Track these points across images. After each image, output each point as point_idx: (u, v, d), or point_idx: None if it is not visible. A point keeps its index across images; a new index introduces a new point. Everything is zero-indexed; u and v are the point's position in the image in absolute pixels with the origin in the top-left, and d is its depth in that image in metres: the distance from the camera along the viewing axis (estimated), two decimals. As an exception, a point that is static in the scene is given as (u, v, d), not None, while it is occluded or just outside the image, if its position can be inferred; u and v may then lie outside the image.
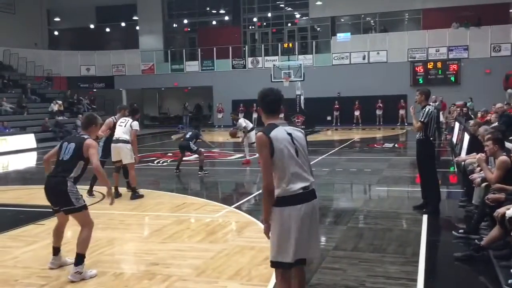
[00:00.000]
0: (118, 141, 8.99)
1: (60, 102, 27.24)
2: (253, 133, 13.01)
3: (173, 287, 4.70)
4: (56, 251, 5.30)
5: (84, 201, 5.18)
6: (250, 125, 13.65)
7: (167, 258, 5.54)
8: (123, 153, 8.99)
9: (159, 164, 14.05)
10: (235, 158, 15.44)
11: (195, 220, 7.43)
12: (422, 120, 7.15)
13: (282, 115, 19.39)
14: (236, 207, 8.16)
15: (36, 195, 9.77)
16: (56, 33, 37.54)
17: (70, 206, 5.01)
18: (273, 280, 4.74)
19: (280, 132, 3.52)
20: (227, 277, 4.91)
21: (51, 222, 7.38)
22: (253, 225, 6.84)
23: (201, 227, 6.93)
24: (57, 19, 36.60)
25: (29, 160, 17.32)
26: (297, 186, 3.48)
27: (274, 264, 3.59)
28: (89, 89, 33.39)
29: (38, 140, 21.50)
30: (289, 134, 3.55)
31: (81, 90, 32.39)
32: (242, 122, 13.58)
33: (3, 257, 5.73)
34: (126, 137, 9.00)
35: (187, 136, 12.13)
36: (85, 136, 5.19)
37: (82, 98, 30.01)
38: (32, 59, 30.75)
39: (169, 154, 15.92)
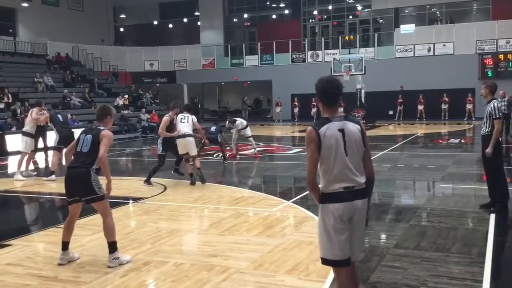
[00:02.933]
0: (185, 135, 9.59)
1: (125, 96, 28.22)
2: (249, 128, 14.61)
3: (230, 279, 4.74)
4: (66, 246, 5.33)
5: (105, 191, 5.29)
6: (245, 123, 14.55)
7: (225, 250, 5.61)
8: (190, 146, 9.68)
9: (218, 158, 14.23)
10: (294, 153, 15.39)
11: (253, 213, 7.47)
12: (497, 117, 6.89)
13: (341, 109, 19.39)
14: (294, 202, 8.13)
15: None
16: (121, 29, 38.87)
17: (93, 195, 5.17)
18: (330, 276, 4.69)
19: (331, 128, 3.38)
20: (285, 272, 4.90)
21: (115, 212, 7.68)
22: (311, 220, 6.79)
23: (259, 220, 6.95)
24: (122, 16, 37.87)
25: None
26: (338, 185, 3.36)
27: (322, 261, 3.52)
28: (152, 83, 34.36)
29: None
30: (341, 131, 3.39)
31: (145, 85, 33.38)
32: (239, 124, 14.31)
33: (71, 245, 5.95)
34: (191, 131, 9.64)
35: (213, 130, 13.12)
36: (101, 128, 5.33)
37: (142, 92, 30.92)
38: (99, 55, 32.05)
39: (228, 148, 16.06)
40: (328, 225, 3.38)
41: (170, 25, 38.42)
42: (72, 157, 5.40)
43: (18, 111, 20.53)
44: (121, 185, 10.18)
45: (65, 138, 10.39)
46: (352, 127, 3.45)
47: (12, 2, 28.51)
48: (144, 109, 26.57)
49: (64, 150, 5.59)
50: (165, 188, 9.56)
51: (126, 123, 24.93)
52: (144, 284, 4.75)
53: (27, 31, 29.39)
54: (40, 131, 11.83)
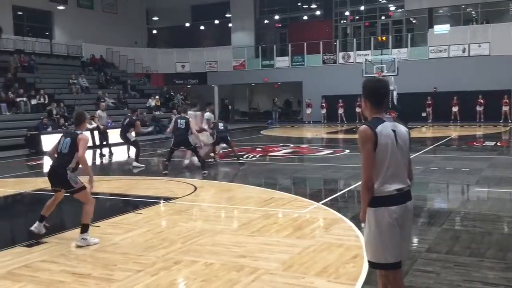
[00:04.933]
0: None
1: (157, 97, 28.61)
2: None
3: (260, 280, 4.75)
4: (42, 218, 6.29)
5: (82, 183, 6.09)
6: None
7: (254, 251, 5.62)
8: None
9: (248, 159, 14.27)
10: (324, 154, 15.30)
11: (283, 215, 7.46)
12: None
13: None
14: (324, 204, 8.08)
15: (134, 186, 10.36)
16: (154, 32, 39.42)
17: (72, 189, 6.07)
18: (361, 280, 4.64)
19: (386, 128, 3.35)
20: (314, 274, 4.88)
21: (148, 211, 7.81)
22: (342, 222, 6.74)
23: (289, 222, 6.94)
24: (155, 18, 38.40)
25: (129, 153, 18.29)
26: (393, 187, 3.32)
27: (372, 264, 3.48)
28: (184, 85, 34.71)
29: (137, 134, 22.67)
30: (394, 131, 3.38)
31: (176, 86, 33.75)
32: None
33: (104, 243, 6.12)
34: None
35: (221, 128, 13.16)
36: (78, 132, 6.11)
37: (173, 93, 31.24)
38: (132, 57, 32.60)
39: (258, 149, 16.12)
40: (383, 229, 3.33)
41: (202, 27, 38.74)
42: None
43: (54, 111, 21.06)
44: (152, 185, 10.34)
45: None
46: (402, 128, 3.45)
47: (48, 5, 29.28)
48: (175, 110, 26.82)
49: (49, 151, 6.50)
50: (196, 189, 9.65)
51: (157, 124, 25.25)
52: (175, 283, 4.80)
53: (63, 34, 30.12)
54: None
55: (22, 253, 5.82)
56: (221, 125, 13.28)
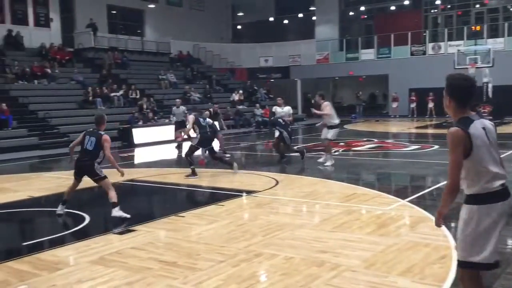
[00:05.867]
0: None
1: (241, 92, 29.07)
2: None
3: (341, 277, 4.67)
4: (65, 202, 7.40)
5: (104, 174, 7.27)
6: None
7: (336, 247, 5.53)
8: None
9: (334, 154, 14.08)
10: (411, 150, 14.74)
11: (366, 211, 7.28)
12: None
13: None
14: (410, 201, 7.78)
15: (217, 178, 10.61)
16: (239, 27, 40.05)
17: (97, 177, 7.21)
18: (448, 281, 4.42)
19: (477, 128, 3.22)
20: (398, 273, 4.71)
21: (230, 204, 7.96)
22: (428, 221, 6.44)
23: (372, 219, 6.76)
24: (240, 13, 38.99)
25: (214, 146, 18.75)
26: (497, 183, 3.21)
27: (463, 264, 3.32)
28: (267, 79, 34.96)
29: (221, 127, 23.21)
30: (483, 129, 3.24)
31: (259, 81, 34.06)
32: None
33: (188, 233, 6.33)
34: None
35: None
36: (101, 132, 7.26)
37: (256, 87, 31.54)
38: (217, 52, 33.36)
39: (341, 143, 15.86)
40: (483, 227, 3.21)
41: (285, 21, 38.74)
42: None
43: (144, 106, 22.08)
44: (234, 178, 10.52)
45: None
46: (489, 124, 3.32)
47: (140, 4, 30.69)
48: (258, 104, 27.15)
49: (71, 145, 7.64)
50: (277, 182, 9.69)
51: (240, 117, 25.68)
52: (256, 275, 4.85)
53: (153, 31, 31.46)
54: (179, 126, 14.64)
55: (114, 240, 6.16)
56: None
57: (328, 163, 11.66)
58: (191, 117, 11.13)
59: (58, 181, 10.51)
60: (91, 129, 7.42)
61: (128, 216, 7.09)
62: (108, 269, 5.07)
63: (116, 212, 7.10)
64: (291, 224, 6.58)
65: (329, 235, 6.03)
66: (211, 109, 16.58)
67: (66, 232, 6.82)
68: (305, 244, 5.68)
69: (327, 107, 11.75)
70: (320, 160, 12.14)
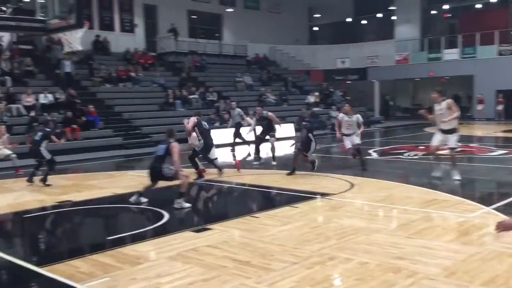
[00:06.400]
0: None
1: (316, 94, 28.89)
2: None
3: (418, 284, 4.51)
4: (141, 194, 8.36)
5: (174, 171, 8.04)
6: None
7: (413, 254, 5.35)
8: None
9: (409, 157, 13.65)
10: (497, 155, 13.94)
11: (446, 218, 6.98)
12: None
13: (501, 106, 16.96)
14: (495, 208, 7.36)
15: (292, 180, 10.60)
16: (315, 28, 39.83)
17: (167, 180, 8.17)
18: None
19: None
20: (480, 283, 4.47)
21: (304, 206, 7.94)
22: (515, 231, 6.05)
23: (453, 226, 6.47)
24: (317, 15, 38.76)
25: (288, 148, 18.79)
26: None
27: None
28: (343, 81, 34.47)
29: (296, 130, 23.21)
30: None
31: (336, 82, 33.66)
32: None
33: (262, 233, 6.38)
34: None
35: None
36: (171, 140, 8.08)
37: (332, 89, 31.18)
38: (293, 54, 33.38)
39: (421, 147, 15.29)
40: None
41: (364, 22, 38.01)
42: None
43: (221, 108, 22.56)
44: (308, 180, 10.47)
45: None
46: None
47: (219, 9, 31.40)
48: (334, 106, 26.83)
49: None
50: (352, 186, 9.53)
51: (316, 120, 25.48)
52: (329, 279, 4.80)
53: (231, 35, 32.06)
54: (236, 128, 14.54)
55: (190, 237, 6.34)
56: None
57: (457, 177, 9.76)
58: (192, 119, 10.94)
59: (141, 179, 10.98)
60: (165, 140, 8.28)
61: (189, 205, 8.08)
62: (185, 265, 5.23)
63: (179, 202, 7.91)
64: (367, 229, 6.44)
65: (407, 241, 5.83)
66: (255, 112, 14.40)
67: (146, 228, 7.11)
68: (381, 250, 5.54)
69: (453, 107, 9.57)
70: (436, 174, 10.39)
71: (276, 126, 13.49)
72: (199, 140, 10.93)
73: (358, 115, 11.80)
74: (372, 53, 33.56)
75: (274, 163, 13.01)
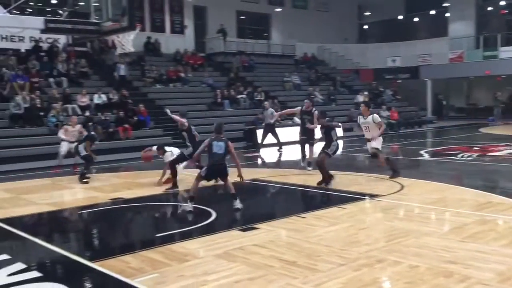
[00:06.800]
0: None
1: (366, 93, 28.42)
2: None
3: (471, 290, 4.35)
4: (192, 198, 7.88)
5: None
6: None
7: (466, 258, 5.16)
8: None
9: (463, 158, 13.20)
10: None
11: (502, 222, 6.70)
12: None
13: None
14: (555, 213, 7.00)
15: (340, 180, 10.45)
16: (365, 27, 39.19)
17: (227, 176, 7.95)
18: None
19: None
20: (539, 292, 4.27)
21: (352, 207, 7.83)
22: None
23: (509, 230, 6.21)
24: (367, 13, 38.13)
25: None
26: None
27: None
28: (394, 80, 33.74)
29: (344, 130, 22.91)
30: None
31: (386, 81, 32.99)
32: (169, 155, 10.59)
33: (309, 234, 6.34)
34: None
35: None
36: (224, 138, 7.98)
37: (382, 89, 30.59)
38: (342, 53, 32.97)
39: (475, 148, 14.76)
40: None
41: (415, 19, 37.06)
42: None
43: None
44: (356, 181, 10.32)
45: None
46: None
47: (267, 8, 31.44)
48: (384, 106, 26.32)
49: (197, 153, 8.59)
50: (402, 187, 9.31)
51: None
52: (378, 281, 4.71)
53: (279, 34, 32.04)
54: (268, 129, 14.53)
55: (237, 236, 6.39)
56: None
57: None
58: (184, 120, 10.21)
59: (190, 178, 11.16)
60: (213, 136, 8.01)
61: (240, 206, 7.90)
62: (232, 263, 5.27)
63: (238, 203, 7.87)
64: (417, 231, 6.28)
65: (459, 245, 5.64)
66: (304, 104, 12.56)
67: (194, 226, 7.22)
68: (432, 253, 5.38)
69: None
70: None
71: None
72: (188, 146, 10.12)
73: (374, 115, 10.42)
74: (425, 51, 32.65)
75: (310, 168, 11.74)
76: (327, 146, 9.85)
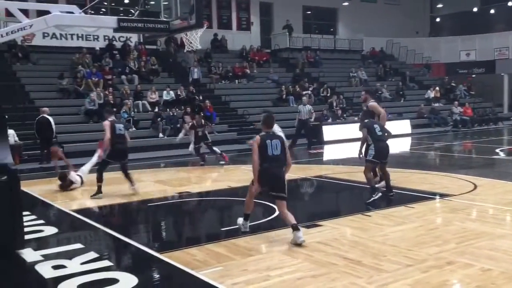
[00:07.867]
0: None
1: (437, 88, 27.39)
2: None
3: (551, 299, 4.07)
4: (247, 217, 6.44)
5: None
6: None
7: (545, 264, 4.85)
8: None
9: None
10: None
11: None
12: None
13: None
14: None
15: (408, 179, 10.16)
16: (437, 19, 37.70)
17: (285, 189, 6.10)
18: None
19: None
20: None
21: (421, 206, 7.57)
22: None
23: None
24: (439, 5, 36.66)
25: (403, 145, 18.06)
26: None
27: None
28: (468, 74, 32.25)
29: (413, 126, 22.22)
30: None
31: (459, 76, 31.61)
32: None
33: (375, 233, 6.19)
34: None
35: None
36: (278, 134, 6.44)
37: (455, 84, 29.33)
38: (412, 48, 31.89)
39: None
40: None
41: (492, 11, 35.18)
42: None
43: (334, 104, 22.29)
44: (426, 180, 9.98)
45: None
46: None
47: (334, 3, 31.00)
48: (456, 102, 25.24)
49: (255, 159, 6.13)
50: (475, 187, 8.88)
51: (436, 116, 24.19)
52: (447, 284, 4.52)
53: (346, 29, 31.52)
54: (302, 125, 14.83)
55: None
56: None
57: None
58: (107, 123, 9.20)
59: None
60: (263, 133, 6.26)
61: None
62: (295, 260, 5.25)
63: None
64: (491, 234, 5.97)
65: (537, 250, 5.31)
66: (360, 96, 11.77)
67: (258, 222, 7.26)
68: (506, 257, 5.10)
69: None
70: None
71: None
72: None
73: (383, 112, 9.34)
74: (502, 45, 30.96)
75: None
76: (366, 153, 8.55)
